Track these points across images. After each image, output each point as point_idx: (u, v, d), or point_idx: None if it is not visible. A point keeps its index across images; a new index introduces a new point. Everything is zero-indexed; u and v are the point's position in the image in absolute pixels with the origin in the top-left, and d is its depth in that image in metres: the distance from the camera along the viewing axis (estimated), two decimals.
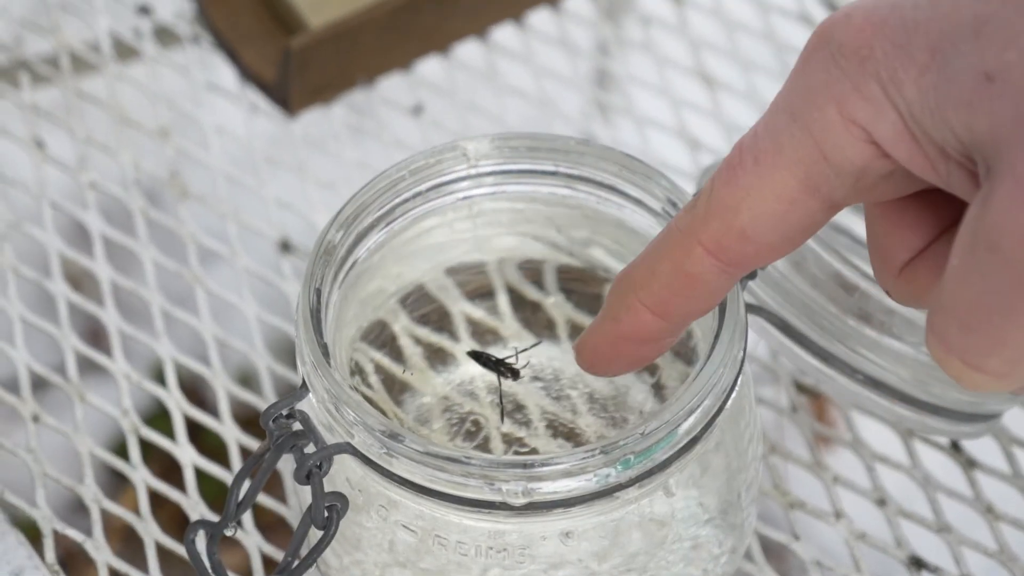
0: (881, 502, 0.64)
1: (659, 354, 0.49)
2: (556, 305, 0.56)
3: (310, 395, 0.50)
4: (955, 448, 0.65)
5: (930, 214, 0.45)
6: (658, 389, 0.55)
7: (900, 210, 0.45)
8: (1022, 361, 0.41)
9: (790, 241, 0.45)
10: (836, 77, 0.42)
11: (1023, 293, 0.39)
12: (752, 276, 0.52)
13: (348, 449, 0.49)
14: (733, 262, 0.45)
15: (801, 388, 0.68)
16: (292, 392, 0.50)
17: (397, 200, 0.54)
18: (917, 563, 0.62)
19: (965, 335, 0.41)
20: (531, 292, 0.57)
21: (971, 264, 0.40)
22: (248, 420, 0.65)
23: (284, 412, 0.50)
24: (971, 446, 0.65)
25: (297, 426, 0.50)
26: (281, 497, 0.64)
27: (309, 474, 0.49)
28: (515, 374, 0.53)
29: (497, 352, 0.55)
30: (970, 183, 0.41)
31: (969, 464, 0.65)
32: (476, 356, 0.54)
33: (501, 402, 0.53)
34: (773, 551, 0.65)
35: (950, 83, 0.40)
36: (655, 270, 0.46)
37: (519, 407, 0.53)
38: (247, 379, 0.72)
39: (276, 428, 0.50)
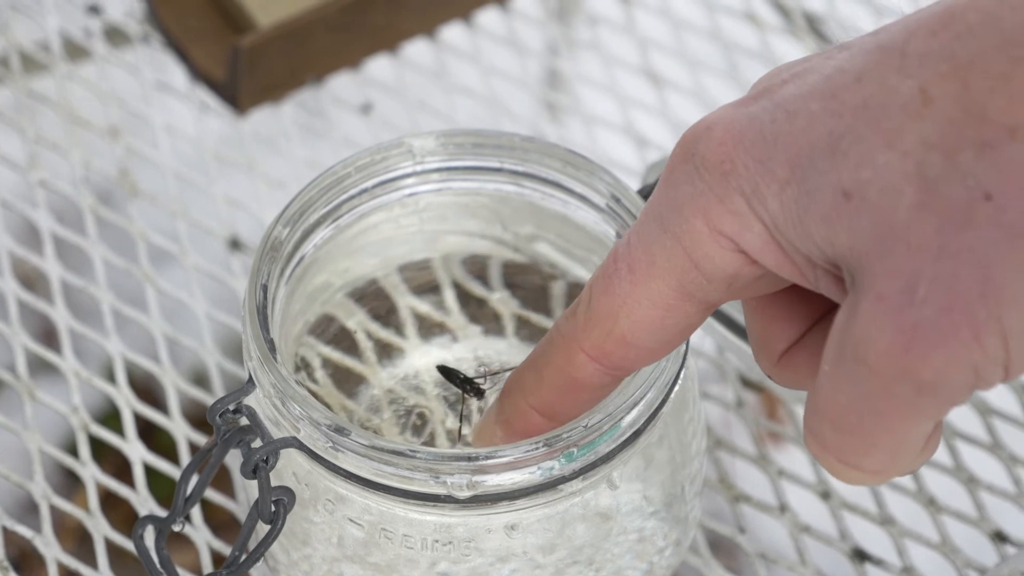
0: (825, 495, 0.64)
1: None
2: (502, 301, 0.57)
3: (257, 390, 0.50)
4: None
5: (803, 306, 0.46)
6: None
7: (775, 304, 0.46)
8: (894, 460, 0.42)
9: (669, 343, 0.46)
10: (701, 190, 0.43)
11: (890, 401, 0.40)
12: None
13: (294, 443, 0.49)
14: (616, 366, 0.46)
15: (747, 383, 0.69)
16: (239, 387, 0.50)
17: (343, 197, 0.54)
18: (860, 555, 0.63)
19: (839, 436, 0.42)
20: (476, 288, 0.57)
21: (840, 372, 0.41)
22: (200, 418, 0.65)
23: (231, 407, 0.50)
24: None
25: (244, 421, 0.50)
26: (231, 493, 0.65)
27: (256, 468, 0.49)
28: (480, 393, 0.53)
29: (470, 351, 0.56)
30: (838, 287, 0.42)
31: None
32: (445, 372, 0.54)
33: (461, 420, 0.54)
34: (719, 544, 0.65)
35: (810, 199, 0.41)
36: (541, 376, 0.48)
37: (482, 394, 0.54)
38: (200, 378, 0.72)
39: (223, 423, 0.50)
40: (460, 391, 0.54)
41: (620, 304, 0.45)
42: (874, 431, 0.41)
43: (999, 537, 0.63)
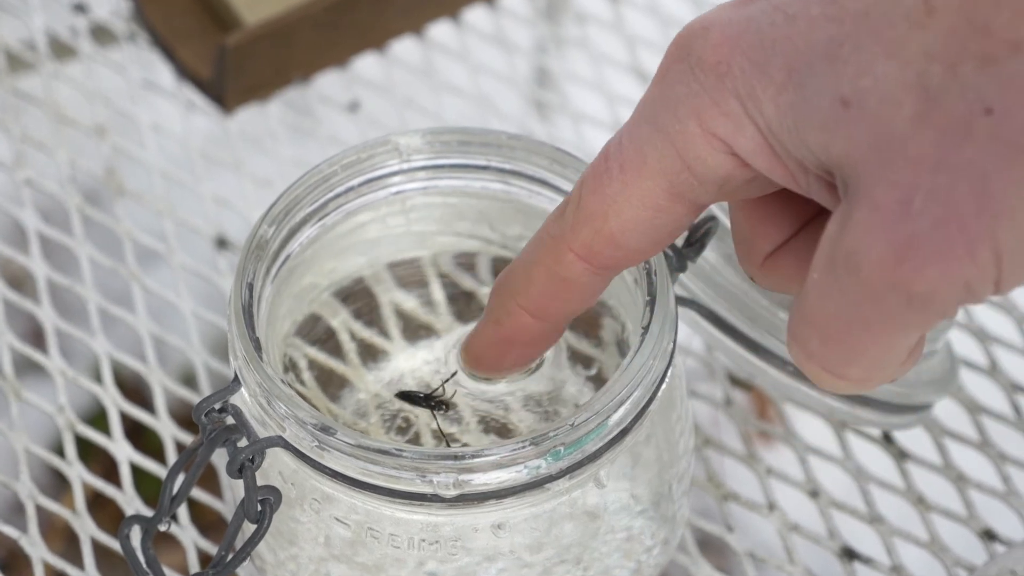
0: (814, 494, 0.64)
1: (539, 355, 0.51)
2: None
3: (242, 389, 0.50)
4: (887, 440, 0.66)
5: (791, 210, 0.46)
6: (595, 382, 0.55)
7: (763, 207, 0.46)
8: (879, 369, 0.42)
9: (658, 244, 0.46)
10: (695, 91, 0.43)
11: (880, 312, 0.40)
12: (682, 269, 0.52)
13: (280, 443, 0.49)
14: (605, 265, 0.46)
15: (735, 382, 0.68)
16: (225, 386, 0.50)
17: (329, 195, 0.54)
18: (849, 554, 0.63)
19: (825, 345, 0.42)
20: (466, 281, 0.57)
21: (830, 280, 0.41)
22: (186, 417, 0.65)
23: (216, 406, 0.50)
24: (903, 438, 0.66)
25: (230, 420, 0.50)
26: (218, 493, 0.64)
27: (241, 468, 0.49)
28: (447, 405, 0.53)
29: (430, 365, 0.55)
30: (830, 194, 0.42)
31: (901, 456, 0.65)
32: (406, 397, 0.54)
33: (443, 436, 0.53)
34: (707, 543, 0.65)
35: (807, 104, 0.41)
36: (531, 276, 0.48)
37: (450, 405, 0.54)
38: (187, 377, 0.72)
39: (208, 422, 0.50)
40: (429, 408, 0.53)
41: (610, 203, 0.45)
42: (861, 341, 0.41)
43: (988, 535, 0.63)
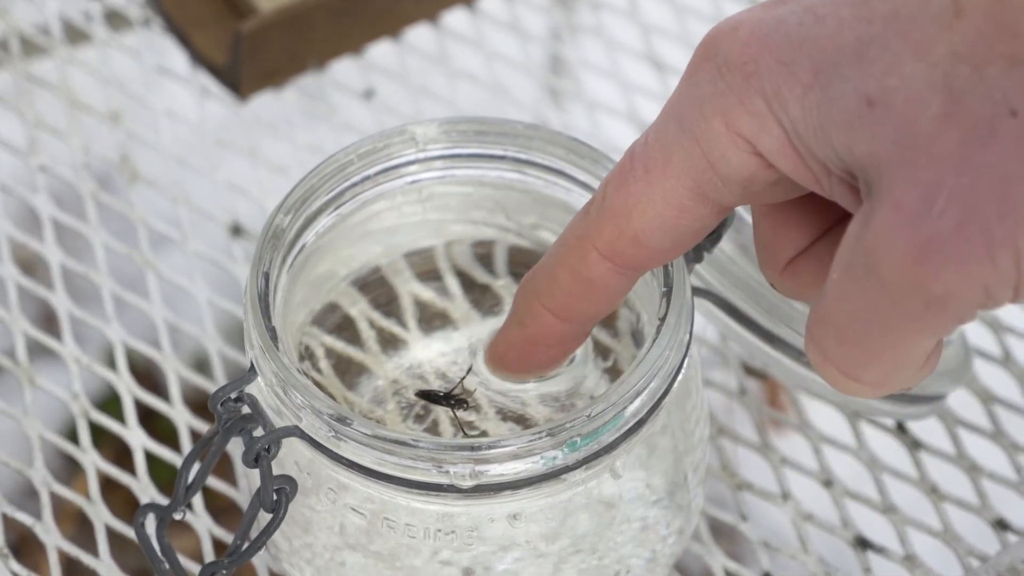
0: (828, 483, 0.64)
1: (565, 357, 0.51)
2: (505, 287, 0.57)
3: (258, 378, 0.50)
4: (901, 430, 0.66)
5: (814, 215, 0.46)
6: (610, 373, 0.55)
7: (785, 211, 0.46)
8: (895, 373, 0.42)
9: (682, 244, 0.46)
10: (722, 90, 0.43)
11: (898, 313, 0.40)
12: (699, 259, 0.52)
13: (296, 432, 0.49)
14: (628, 265, 0.46)
15: (750, 371, 0.68)
16: (241, 375, 0.50)
17: (346, 184, 0.54)
18: (863, 543, 0.63)
19: (842, 347, 0.42)
20: (480, 274, 0.57)
21: (850, 281, 0.41)
22: (200, 404, 0.65)
23: (232, 395, 0.50)
24: (916, 428, 0.66)
25: (246, 409, 0.50)
26: (233, 480, 0.64)
27: (257, 457, 0.49)
28: (464, 403, 0.53)
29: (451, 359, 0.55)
30: (852, 196, 0.42)
31: (914, 445, 0.65)
32: (426, 396, 0.54)
33: (462, 427, 0.53)
34: (721, 532, 0.65)
35: (832, 104, 0.41)
36: (555, 276, 0.48)
37: (468, 392, 0.54)
38: (201, 364, 0.72)
39: (224, 411, 0.50)
40: (449, 407, 0.53)
41: (634, 202, 0.45)
42: (878, 343, 0.41)
43: (1001, 525, 0.63)
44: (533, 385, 0.53)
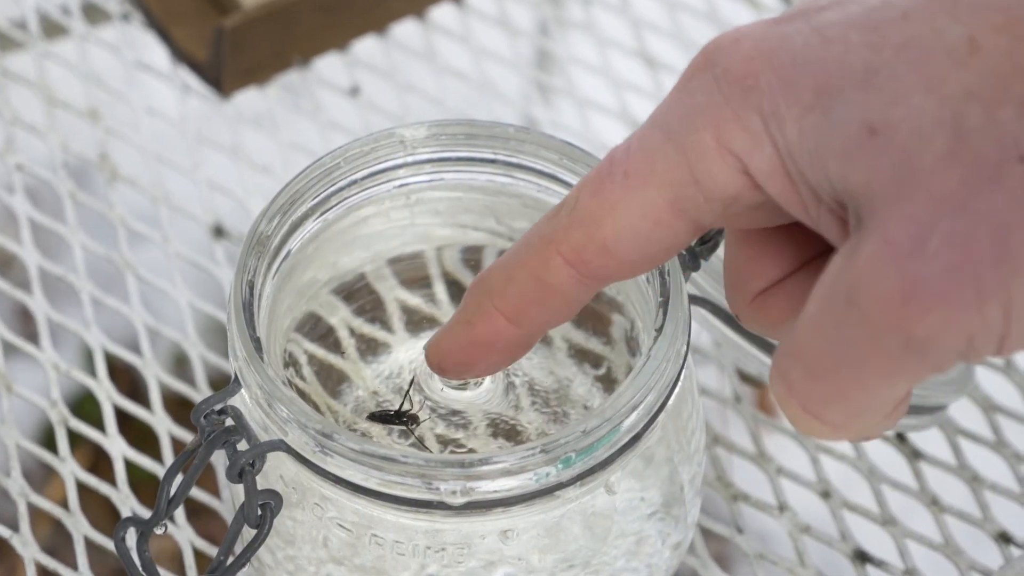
0: (826, 494, 0.63)
1: (510, 363, 0.48)
2: None
3: (243, 391, 0.49)
4: (900, 439, 0.65)
5: (791, 247, 0.45)
6: (604, 381, 0.55)
7: (763, 239, 0.45)
8: (859, 417, 0.41)
9: (651, 259, 0.44)
10: (717, 103, 0.41)
11: (874, 352, 0.39)
12: (695, 268, 0.51)
13: (281, 447, 0.48)
14: (591, 275, 0.44)
15: (745, 378, 0.67)
16: (225, 387, 0.49)
17: (332, 188, 0.53)
18: (862, 556, 0.61)
19: (808, 381, 0.41)
20: (469, 279, 0.56)
21: (827, 314, 0.40)
22: (180, 404, 0.64)
23: (216, 408, 0.49)
24: (916, 437, 0.65)
25: (230, 422, 0.49)
26: (215, 490, 0.63)
27: (242, 472, 0.48)
28: (415, 419, 0.52)
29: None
30: (839, 229, 0.41)
31: (914, 456, 0.64)
32: (377, 419, 0.53)
33: (423, 444, 0.52)
34: (716, 545, 0.64)
35: (832, 128, 0.40)
36: (512, 276, 0.45)
37: (419, 419, 0.52)
38: (181, 361, 0.70)
39: (208, 424, 0.49)
40: (402, 426, 0.52)
41: (609, 208, 0.43)
42: (848, 382, 0.40)
43: (1003, 538, 0.62)
44: (471, 395, 0.52)
